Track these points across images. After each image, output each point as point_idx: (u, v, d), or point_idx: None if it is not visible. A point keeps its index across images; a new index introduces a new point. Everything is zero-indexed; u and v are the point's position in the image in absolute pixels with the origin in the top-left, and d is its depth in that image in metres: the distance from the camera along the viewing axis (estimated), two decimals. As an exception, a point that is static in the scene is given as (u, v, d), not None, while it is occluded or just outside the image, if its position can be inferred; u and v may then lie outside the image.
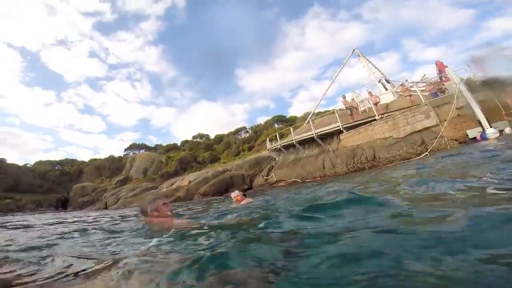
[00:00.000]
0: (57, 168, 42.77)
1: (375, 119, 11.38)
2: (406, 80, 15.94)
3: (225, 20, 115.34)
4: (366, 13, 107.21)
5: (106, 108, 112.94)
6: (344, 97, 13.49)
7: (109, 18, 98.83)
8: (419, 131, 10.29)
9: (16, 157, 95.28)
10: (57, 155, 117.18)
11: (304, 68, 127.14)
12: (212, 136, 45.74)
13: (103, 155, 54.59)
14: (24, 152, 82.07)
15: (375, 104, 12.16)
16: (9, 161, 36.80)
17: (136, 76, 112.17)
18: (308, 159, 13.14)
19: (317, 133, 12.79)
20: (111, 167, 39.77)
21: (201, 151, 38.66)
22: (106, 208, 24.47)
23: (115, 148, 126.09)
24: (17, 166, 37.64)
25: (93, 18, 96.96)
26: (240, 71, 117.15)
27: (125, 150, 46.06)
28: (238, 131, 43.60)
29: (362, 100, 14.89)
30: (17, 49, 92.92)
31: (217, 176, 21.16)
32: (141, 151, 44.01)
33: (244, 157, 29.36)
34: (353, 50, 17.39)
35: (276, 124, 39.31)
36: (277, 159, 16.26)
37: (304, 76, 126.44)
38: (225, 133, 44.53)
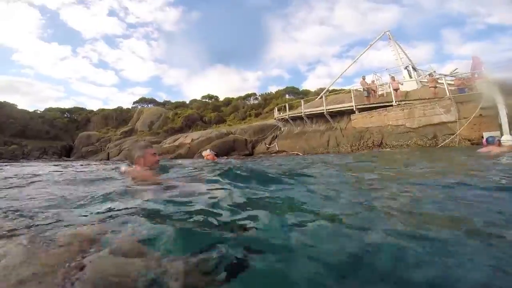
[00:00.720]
0: (65, 115, 42.71)
1: (392, 105, 10.90)
2: (435, 71, 14.98)
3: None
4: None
5: (120, 63, 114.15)
6: (363, 78, 12.83)
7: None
8: (434, 124, 9.87)
9: (28, 104, 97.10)
10: (67, 104, 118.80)
11: (327, 43, 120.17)
12: (221, 99, 45.14)
13: (112, 106, 54.43)
14: (36, 100, 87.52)
15: (395, 90, 11.58)
16: (19, 107, 37.20)
17: (154, 35, 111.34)
18: (314, 134, 12.95)
19: (328, 109, 12.40)
20: (118, 118, 39.82)
21: (208, 111, 38.43)
22: (108, 159, 24.18)
23: (125, 100, 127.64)
24: (27, 111, 37.85)
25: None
26: (258, 38, 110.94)
27: (134, 103, 45.81)
28: (247, 96, 42.80)
29: (381, 84, 14.21)
30: (37, 7, 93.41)
31: (221, 138, 21.24)
32: (149, 105, 43.76)
33: (250, 122, 29.18)
34: (385, 32, 16.11)
35: (287, 95, 38.36)
36: (282, 129, 16.08)
37: (325, 51, 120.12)
38: (234, 97, 43.83)
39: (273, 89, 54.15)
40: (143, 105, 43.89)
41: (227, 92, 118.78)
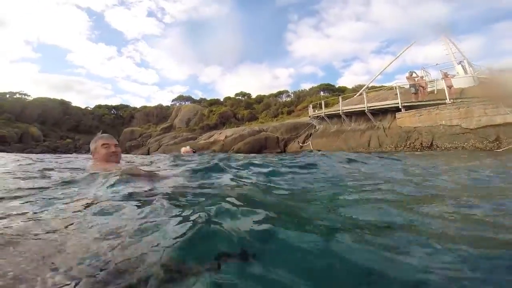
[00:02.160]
0: (112, 112, 47.05)
1: (445, 103, 9.85)
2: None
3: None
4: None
5: (160, 62, 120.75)
6: (411, 74, 11.79)
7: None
8: (497, 125, 8.69)
9: (82, 102, 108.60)
10: (114, 101, 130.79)
11: (364, 39, 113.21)
12: (253, 96, 45.49)
13: (153, 103, 58.34)
14: (88, 98, 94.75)
15: (449, 87, 10.45)
16: (73, 104, 41.82)
17: (189, 34, 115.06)
18: (353, 133, 12.32)
19: (370, 107, 11.68)
20: (158, 115, 42.56)
21: (241, 109, 39.03)
22: (148, 153, 25.37)
23: (165, 98, 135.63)
24: (80, 108, 42.61)
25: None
26: (289, 35, 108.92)
27: (173, 100, 48.42)
28: (279, 93, 42.48)
29: (431, 80, 12.96)
30: (84, 10, 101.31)
31: (253, 135, 21.42)
32: (186, 102, 45.93)
33: (282, 120, 28.90)
34: (438, 28, 14.62)
35: (321, 92, 37.13)
36: (317, 128, 15.61)
37: (361, 47, 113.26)
38: (266, 95, 43.83)
39: (306, 86, 52.92)
40: (181, 102, 46.21)
41: (259, 89, 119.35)
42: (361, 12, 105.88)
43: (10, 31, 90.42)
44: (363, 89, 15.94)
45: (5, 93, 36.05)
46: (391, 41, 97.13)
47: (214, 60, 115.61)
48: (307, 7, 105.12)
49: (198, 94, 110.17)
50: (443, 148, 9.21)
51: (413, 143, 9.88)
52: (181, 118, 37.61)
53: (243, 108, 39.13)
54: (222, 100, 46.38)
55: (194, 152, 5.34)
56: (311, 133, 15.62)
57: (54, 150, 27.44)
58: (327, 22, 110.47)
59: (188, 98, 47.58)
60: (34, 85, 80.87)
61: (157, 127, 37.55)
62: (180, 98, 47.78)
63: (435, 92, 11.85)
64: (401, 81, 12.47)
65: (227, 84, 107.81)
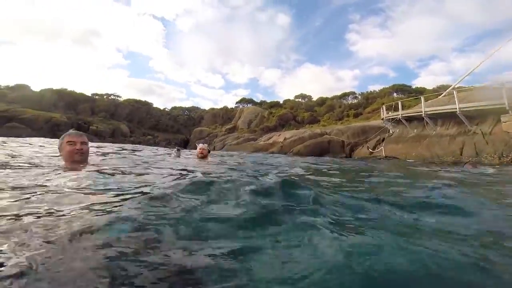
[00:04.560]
0: (185, 113, 53.49)
1: None
2: None
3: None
4: None
5: (225, 67, 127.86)
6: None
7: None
8: None
9: (161, 103, 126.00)
10: (187, 104, 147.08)
11: (441, 37, 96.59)
12: (314, 98, 44.21)
13: (219, 105, 63.41)
14: (166, 100, 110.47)
15: None
16: (154, 105, 48.89)
17: (249, 38, 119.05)
18: (439, 138, 10.56)
19: (464, 108, 9.80)
20: (224, 116, 45.99)
21: (301, 111, 38.48)
22: (213, 150, 28.44)
23: (229, 101, 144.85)
24: (159, 109, 49.64)
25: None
26: (352, 35, 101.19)
27: (236, 103, 51.49)
28: (344, 95, 40.09)
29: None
30: (159, 19, 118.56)
31: (314, 138, 20.76)
32: (248, 105, 48.09)
33: (348, 123, 27.16)
34: None
35: (395, 93, 33.38)
36: (391, 132, 14.00)
37: (439, 46, 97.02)
38: (329, 97, 41.93)
39: (375, 88, 48.23)
40: (244, 105, 48.56)
41: (321, 92, 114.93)
42: (433, 7, 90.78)
43: (105, 40, 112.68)
44: (450, 88, 13.54)
45: (103, 95, 44.64)
46: (478, 37, 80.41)
47: (273, 63, 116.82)
48: (369, 6, 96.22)
49: (259, 97, 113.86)
50: None
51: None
52: (243, 120, 39.58)
53: (303, 111, 38.51)
54: (282, 102, 46.74)
55: (208, 152, 4.69)
56: (383, 138, 14.12)
57: (138, 144, 32.97)
58: (394, 20, 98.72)
59: (250, 101, 49.62)
60: (125, 88, 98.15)
61: (222, 127, 40.48)
62: (243, 100, 50.25)
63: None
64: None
65: (287, 87, 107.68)
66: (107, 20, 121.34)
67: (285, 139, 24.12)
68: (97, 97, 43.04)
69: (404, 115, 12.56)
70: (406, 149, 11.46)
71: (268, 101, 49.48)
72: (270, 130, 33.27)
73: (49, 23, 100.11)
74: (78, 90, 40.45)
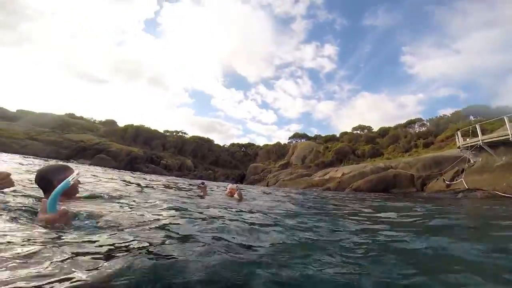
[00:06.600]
0: (242, 150, 57.02)
1: None
2: None
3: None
4: None
5: (277, 103, 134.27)
6: None
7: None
8: None
9: (220, 140, 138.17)
10: (243, 140, 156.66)
11: (507, 47, 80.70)
12: (375, 129, 41.11)
13: (273, 141, 65.48)
14: (225, 137, 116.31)
15: None
16: (215, 142, 53.88)
17: (298, 73, 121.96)
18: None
19: None
20: (277, 152, 46.95)
21: (361, 144, 36.00)
22: (267, 185, 28.38)
23: (282, 136, 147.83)
24: (219, 145, 54.50)
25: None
26: (407, 58, 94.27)
27: (289, 138, 52.37)
28: (410, 123, 36.14)
29: None
30: (215, 58, 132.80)
31: (377, 173, 18.82)
32: (302, 140, 48.12)
33: (417, 154, 23.92)
34: None
35: (471, 117, 28.42)
36: (472, 161, 11.69)
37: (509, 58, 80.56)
38: (392, 126, 38.37)
39: (445, 112, 42.24)
40: (297, 140, 48.79)
41: (381, 121, 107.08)
42: (489, 18, 78.10)
43: (170, 83, 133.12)
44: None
45: (172, 132, 51.08)
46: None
47: (326, 95, 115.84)
48: (416, 26, 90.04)
49: (313, 131, 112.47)
50: None
51: None
52: (297, 155, 39.25)
53: (363, 143, 35.98)
54: (338, 135, 44.98)
55: (237, 190, 4.61)
56: (463, 169, 11.87)
57: (200, 178, 35.72)
58: (450, 36, 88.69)
59: (304, 136, 49.56)
60: (190, 126, 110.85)
61: (275, 163, 40.86)
62: (296, 135, 50.61)
63: None
64: None
65: (343, 118, 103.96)
66: (176, 60, 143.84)
67: (343, 174, 22.55)
68: (167, 133, 49.21)
69: (486, 141, 10.48)
70: (495, 179, 9.29)
71: (323, 135, 48.47)
72: (326, 165, 31.77)
73: (132, 64, 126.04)
74: (152, 126, 46.63)
